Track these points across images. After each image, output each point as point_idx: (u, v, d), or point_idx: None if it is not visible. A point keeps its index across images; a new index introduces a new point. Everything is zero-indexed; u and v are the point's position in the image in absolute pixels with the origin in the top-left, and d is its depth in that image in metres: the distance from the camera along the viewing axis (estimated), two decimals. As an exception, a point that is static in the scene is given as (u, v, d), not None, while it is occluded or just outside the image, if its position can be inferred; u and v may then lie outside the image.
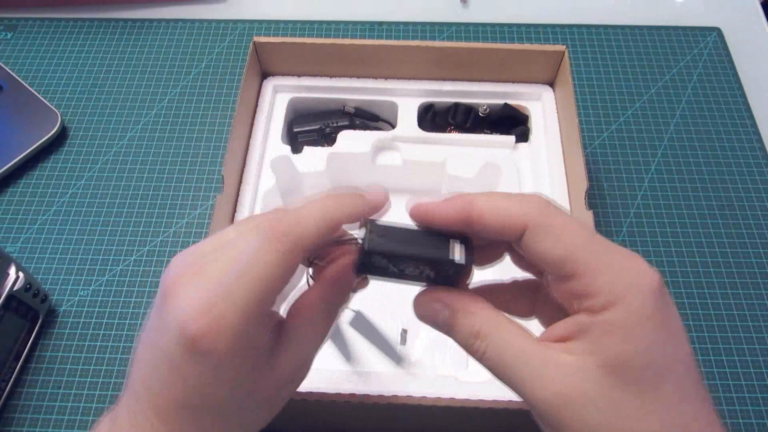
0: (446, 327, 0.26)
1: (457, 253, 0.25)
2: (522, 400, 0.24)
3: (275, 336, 0.26)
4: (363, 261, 0.26)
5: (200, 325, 0.22)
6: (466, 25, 0.71)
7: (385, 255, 0.25)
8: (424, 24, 0.71)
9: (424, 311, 0.26)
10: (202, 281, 0.23)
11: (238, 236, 0.25)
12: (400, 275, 0.26)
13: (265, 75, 0.57)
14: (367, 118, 0.57)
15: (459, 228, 0.25)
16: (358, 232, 0.26)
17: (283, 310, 0.28)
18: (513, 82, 0.56)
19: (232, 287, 0.23)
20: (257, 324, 0.24)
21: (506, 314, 0.26)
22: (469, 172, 0.52)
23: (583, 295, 0.23)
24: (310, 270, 0.29)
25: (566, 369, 0.23)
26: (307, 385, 0.41)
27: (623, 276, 0.23)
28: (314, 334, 0.27)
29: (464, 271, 0.26)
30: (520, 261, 0.28)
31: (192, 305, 0.23)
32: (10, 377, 0.48)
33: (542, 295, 0.28)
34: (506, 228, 0.24)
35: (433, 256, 0.25)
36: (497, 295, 0.29)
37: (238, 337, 0.23)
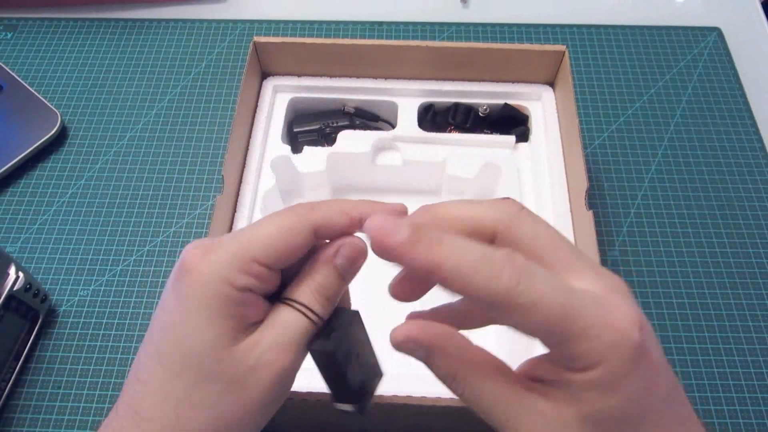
0: (425, 364, 0.25)
1: (346, 407, 0.28)
2: None
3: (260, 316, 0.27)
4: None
5: (191, 253, 0.25)
6: (466, 25, 0.71)
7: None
8: (424, 24, 0.71)
9: (399, 348, 0.25)
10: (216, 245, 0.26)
11: (263, 217, 0.27)
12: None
13: (265, 75, 0.57)
14: (367, 118, 0.57)
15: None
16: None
17: None
18: (513, 82, 0.56)
19: (239, 236, 0.26)
20: (249, 273, 0.25)
21: (483, 350, 0.25)
22: (469, 172, 0.52)
23: (560, 355, 0.22)
24: None
25: (544, 418, 0.23)
26: (307, 385, 0.41)
27: (600, 340, 0.21)
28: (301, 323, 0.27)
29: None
30: None
31: (197, 248, 0.26)
32: (10, 377, 0.48)
33: None
34: (472, 300, 0.22)
35: (335, 395, 0.28)
36: (457, 311, 0.28)
37: (220, 272, 0.25)
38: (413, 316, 0.27)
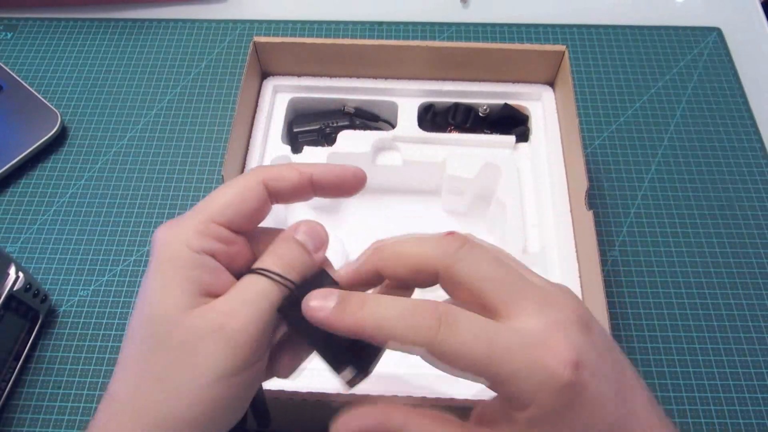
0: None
1: (348, 374, 0.27)
2: None
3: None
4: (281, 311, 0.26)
5: (159, 229, 0.26)
6: (466, 25, 0.71)
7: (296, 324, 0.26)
8: (424, 24, 0.71)
9: None
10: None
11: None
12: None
13: (265, 75, 0.57)
14: (367, 118, 0.57)
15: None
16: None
17: None
18: (513, 82, 0.56)
19: (197, 205, 0.27)
20: (201, 237, 0.25)
21: (430, 407, 0.27)
22: (469, 172, 0.52)
23: (498, 392, 0.24)
24: None
25: None
26: (306, 385, 0.41)
27: (531, 380, 0.23)
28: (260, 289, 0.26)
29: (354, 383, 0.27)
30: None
31: (165, 223, 0.26)
32: (10, 377, 0.48)
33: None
34: (417, 276, 0.26)
35: (329, 357, 0.26)
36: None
37: (179, 237, 0.25)
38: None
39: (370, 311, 0.24)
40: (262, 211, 0.27)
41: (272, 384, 0.39)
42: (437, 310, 0.23)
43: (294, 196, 0.28)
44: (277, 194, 0.28)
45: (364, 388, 0.41)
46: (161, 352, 0.24)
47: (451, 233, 0.26)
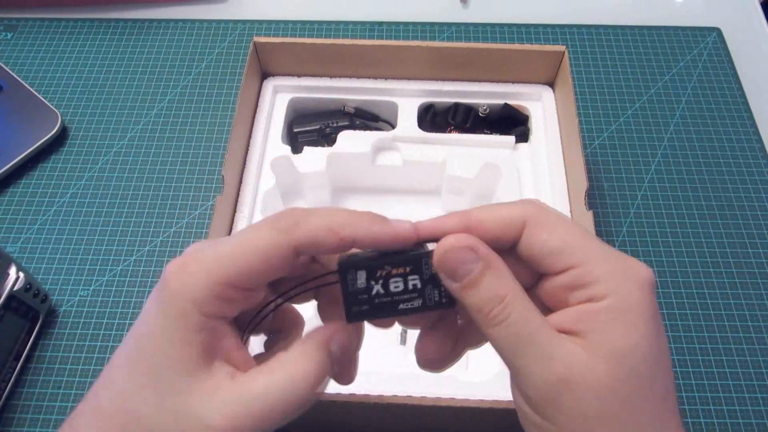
0: (466, 283, 0.24)
1: (430, 247, 0.25)
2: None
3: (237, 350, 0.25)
4: (343, 285, 0.25)
5: (170, 265, 0.24)
6: (466, 25, 0.71)
7: (361, 267, 0.25)
8: (424, 24, 0.71)
9: (450, 256, 0.24)
10: (202, 254, 0.24)
11: (246, 228, 0.25)
12: (389, 298, 0.25)
13: (265, 75, 0.57)
14: (367, 118, 0.57)
15: None
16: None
17: None
18: (513, 82, 0.56)
19: (215, 253, 0.24)
20: (220, 297, 0.24)
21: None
22: (469, 172, 0.52)
23: (582, 284, 0.23)
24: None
25: (572, 356, 0.23)
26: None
27: (621, 266, 0.23)
28: (290, 367, 0.24)
29: None
30: (516, 267, 0.27)
31: (178, 260, 0.24)
32: (10, 377, 0.48)
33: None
34: (505, 229, 0.25)
35: (410, 255, 0.25)
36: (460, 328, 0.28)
37: (191, 293, 0.23)
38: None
39: (474, 209, 0.25)
40: (285, 272, 0.25)
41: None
42: (537, 201, 0.25)
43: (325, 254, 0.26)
44: (307, 254, 0.26)
45: (363, 389, 0.41)
46: (164, 406, 0.24)
47: (529, 199, 0.27)
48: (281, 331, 0.29)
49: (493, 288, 0.24)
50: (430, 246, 0.25)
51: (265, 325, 0.28)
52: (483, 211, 0.25)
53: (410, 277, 0.25)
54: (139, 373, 0.24)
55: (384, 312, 0.25)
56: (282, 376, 0.24)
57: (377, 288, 0.25)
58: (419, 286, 0.25)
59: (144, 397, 0.24)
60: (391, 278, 0.25)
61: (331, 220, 0.24)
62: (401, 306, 0.25)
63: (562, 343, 0.23)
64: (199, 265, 0.24)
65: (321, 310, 0.29)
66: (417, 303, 0.25)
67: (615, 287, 0.23)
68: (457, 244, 0.24)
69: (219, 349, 0.24)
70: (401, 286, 0.25)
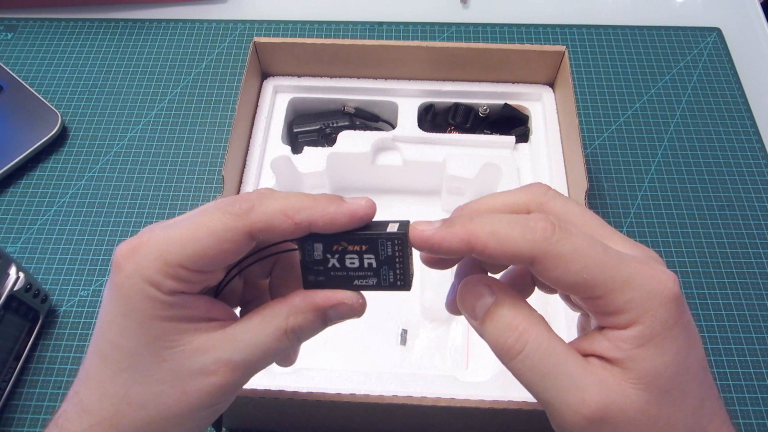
0: (482, 317, 0.24)
1: (394, 228, 0.25)
2: (540, 405, 0.24)
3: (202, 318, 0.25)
4: (301, 253, 0.25)
5: (119, 250, 0.24)
6: (466, 25, 0.71)
7: (318, 240, 0.25)
8: (424, 24, 0.71)
9: (467, 294, 0.24)
10: (152, 234, 0.25)
11: (198, 209, 0.25)
12: (344, 273, 0.25)
13: (265, 75, 0.57)
14: (367, 118, 0.57)
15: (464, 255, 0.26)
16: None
17: None
18: (513, 82, 0.56)
19: (167, 236, 0.24)
20: (176, 278, 0.24)
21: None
22: (469, 172, 0.52)
23: (607, 313, 0.23)
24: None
25: (607, 385, 0.22)
26: (307, 385, 0.41)
27: (643, 289, 0.22)
28: (253, 332, 0.25)
29: (404, 251, 0.25)
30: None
31: (127, 243, 0.25)
32: (10, 377, 0.48)
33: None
34: (514, 260, 0.23)
35: (365, 233, 0.25)
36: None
37: (144, 273, 0.23)
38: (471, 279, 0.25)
39: (481, 221, 0.23)
40: (240, 255, 0.25)
41: (272, 384, 0.40)
42: (548, 218, 0.23)
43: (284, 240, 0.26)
44: (263, 240, 0.25)
45: (363, 389, 0.41)
46: (145, 385, 0.24)
47: (535, 183, 0.26)
48: (252, 302, 0.30)
49: (506, 320, 0.23)
50: (393, 228, 0.25)
51: (235, 299, 0.29)
52: (488, 234, 0.23)
53: (365, 256, 0.25)
54: (112, 360, 0.24)
55: (339, 285, 0.26)
56: (258, 317, 0.25)
57: (333, 261, 0.25)
58: (374, 265, 0.25)
59: (124, 380, 0.24)
60: (347, 254, 0.25)
61: (286, 204, 0.24)
62: (356, 282, 0.26)
63: (594, 371, 0.23)
64: (151, 247, 0.24)
65: (273, 286, 0.29)
66: (372, 281, 0.25)
67: (639, 315, 0.22)
68: (471, 281, 0.24)
69: (200, 312, 0.25)
70: (357, 263, 0.25)
